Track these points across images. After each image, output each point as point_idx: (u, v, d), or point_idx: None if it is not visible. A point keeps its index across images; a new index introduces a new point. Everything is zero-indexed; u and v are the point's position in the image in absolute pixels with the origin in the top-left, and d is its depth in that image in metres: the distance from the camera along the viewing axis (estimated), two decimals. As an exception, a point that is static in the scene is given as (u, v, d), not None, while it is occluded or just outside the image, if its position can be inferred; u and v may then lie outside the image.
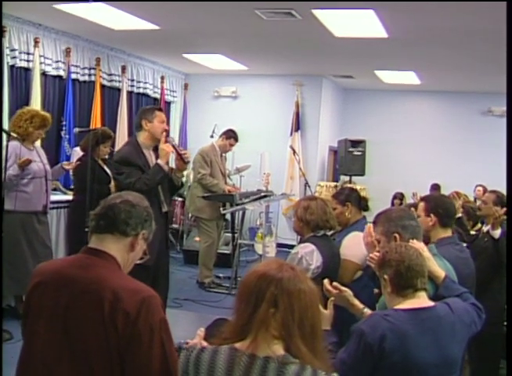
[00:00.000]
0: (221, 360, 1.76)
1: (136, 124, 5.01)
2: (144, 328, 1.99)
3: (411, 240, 2.81)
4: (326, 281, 2.76)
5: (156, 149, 5.00)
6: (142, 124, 4.90)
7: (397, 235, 2.91)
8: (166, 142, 4.95)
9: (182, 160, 4.97)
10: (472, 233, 5.51)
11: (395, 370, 2.28)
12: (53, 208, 5.95)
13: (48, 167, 5.59)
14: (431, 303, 2.45)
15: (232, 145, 7.92)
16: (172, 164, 5.20)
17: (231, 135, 7.87)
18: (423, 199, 3.59)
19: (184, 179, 7.73)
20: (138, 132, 4.98)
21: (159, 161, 4.84)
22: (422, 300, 2.43)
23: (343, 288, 2.74)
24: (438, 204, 3.39)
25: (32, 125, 5.31)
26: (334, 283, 2.76)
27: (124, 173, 4.79)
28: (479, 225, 5.74)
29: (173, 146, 4.96)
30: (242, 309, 1.80)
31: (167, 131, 5.11)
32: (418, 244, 2.77)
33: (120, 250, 2.18)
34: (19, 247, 5.30)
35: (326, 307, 2.48)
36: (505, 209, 4.90)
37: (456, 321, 2.42)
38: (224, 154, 8.04)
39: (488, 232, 4.70)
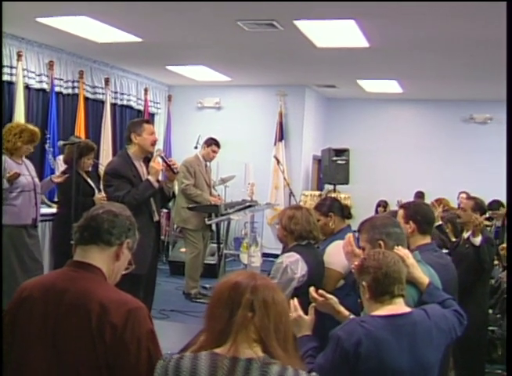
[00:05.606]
0: (203, 366, 1.75)
1: (126, 138, 5.04)
2: (131, 340, 2.01)
3: (396, 247, 2.83)
4: (311, 289, 2.78)
5: (146, 160, 5.02)
6: (132, 137, 4.93)
7: (381, 242, 2.92)
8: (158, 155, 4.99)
9: (171, 170, 4.99)
10: (453, 239, 5.52)
11: (372, 375, 2.30)
12: (38, 221, 5.93)
13: (37, 180, 5.59)
14: (408, 309, 2.47)
15: (214, 151, 7.85)
16: (162, 176, 5.22)
17: (211, 142, 7.84)
18: (402, 206, 3.60)
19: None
20: (128, 145, 5.01)
21: (149, 177, 4.84)
22: (399, 306, 2.45)
23: (328, 296, 2.75)
24: (417, 211, 3.40)
25: (21, 140, 5.33)
26: (320, 291, 2.77)
27: (113, 186, 4.79)
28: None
29: (162, 158, 4.99)
30: (217, 316, 1.80)
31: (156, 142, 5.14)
32: (403, 251, 2.79)
33: (106, 260, 2.18)
34: (9, 261, 5.26)
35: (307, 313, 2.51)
36: (484, 216, 4.94)
37: (433, 327, 2.44)
38: (209, 164, 8.03)
39: (468, 238, 4.71)
